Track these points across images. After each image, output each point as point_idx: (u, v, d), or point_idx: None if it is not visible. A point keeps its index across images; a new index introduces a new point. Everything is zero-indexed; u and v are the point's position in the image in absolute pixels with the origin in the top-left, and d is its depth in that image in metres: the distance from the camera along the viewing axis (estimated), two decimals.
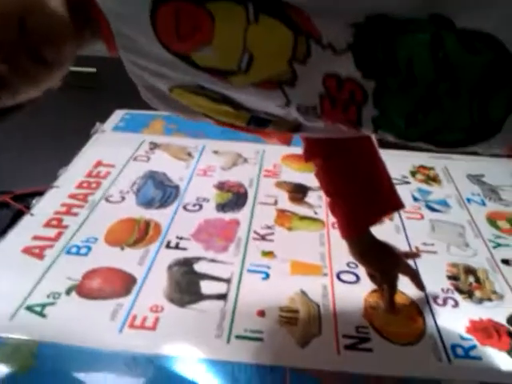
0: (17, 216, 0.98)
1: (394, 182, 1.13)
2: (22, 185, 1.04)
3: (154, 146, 1.25)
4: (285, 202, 1.05)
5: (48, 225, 0.95)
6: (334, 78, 0.43)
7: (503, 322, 0.78)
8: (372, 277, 0.79)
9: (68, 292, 0.79)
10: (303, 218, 1.00)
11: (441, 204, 1.08)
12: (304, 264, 0.88)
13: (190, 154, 1.22)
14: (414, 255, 0.87)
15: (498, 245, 0.96)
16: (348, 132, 0.49)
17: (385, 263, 0.77)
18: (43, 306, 0.76)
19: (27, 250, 0.88)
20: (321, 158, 0.74)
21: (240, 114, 0.52)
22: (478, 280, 0.87)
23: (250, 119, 0.53)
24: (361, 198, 0.73)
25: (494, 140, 0.43)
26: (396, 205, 0.77)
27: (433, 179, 1.17)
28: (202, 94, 0.49)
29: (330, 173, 0.75)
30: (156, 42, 0.44)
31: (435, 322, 0.77)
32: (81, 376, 0.67)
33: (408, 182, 1.15)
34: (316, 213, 1.02)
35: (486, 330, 0.76)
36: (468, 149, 0.45)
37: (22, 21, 0.43)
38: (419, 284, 0.79)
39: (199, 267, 0.86)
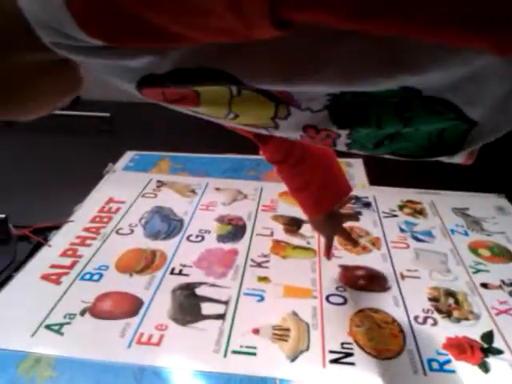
0: (36, 248, 1.07)
1: (383, 215, 1.24)
2: (40, 220, 1.13)
3: (161, 183, 1.36)
4: (280, 234, 1.14)
5: (64, 254, 1.04)
6: (312, 128, 0.50)
7: (477, 338, 0.85)
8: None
9: (82, 313, 0.88)
10: (296, 247, 1.09)
11: (425, 235, 1.16)
12: (296, 288, 0.96)
13: (193, 191, 1.32)
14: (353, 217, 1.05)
15: (478, 270, 1.03)
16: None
17: (329, 229, 0.98)
18: (61, 325, 0.85)
19: (45, 277, 0.97)
20: (282, 165, 0.87)
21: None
22: (457, 302, 0.94)
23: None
24: (321, 192, 0.89)
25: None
26: (348, 191, 0.94)
27: (419, 212, 1.26)
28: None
29: (292, 176, 0.89)
30: (144, 97, 0.49)
31: (414, 339, 0.84)
32: None
33: (396, 215, 1.24)
34: (309, 243, 1.11)
35: (461, 346, 0.83)
36: (430, 159, 0.53)
37: None
38: (352, 240, 0.99)
39: (200, 291, 0.94)
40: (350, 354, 0.81)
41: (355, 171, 1.43)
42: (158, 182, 1.37)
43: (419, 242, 1.13)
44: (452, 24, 0.29)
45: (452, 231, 1.17)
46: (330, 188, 0.90)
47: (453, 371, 0.78)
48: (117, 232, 1.13)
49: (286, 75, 0.42)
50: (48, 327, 0.84)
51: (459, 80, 0.42)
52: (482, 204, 1.29)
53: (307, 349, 0.82)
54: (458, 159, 0.52)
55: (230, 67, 0.42)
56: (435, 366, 0.79)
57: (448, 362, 0.80)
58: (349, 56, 0.40)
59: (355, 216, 1.08)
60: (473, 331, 0.86)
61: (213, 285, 0.96)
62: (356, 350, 0.81)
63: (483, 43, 0.31)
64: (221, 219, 1.19)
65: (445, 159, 0.52)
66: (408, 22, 0.30)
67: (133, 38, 0.37)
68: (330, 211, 0.94)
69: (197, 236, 1.12)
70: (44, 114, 0.53)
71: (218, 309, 0.90)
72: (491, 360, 0.80)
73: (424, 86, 0.43)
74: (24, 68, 0.46)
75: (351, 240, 0.99)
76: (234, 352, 0.80)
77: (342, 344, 0.83)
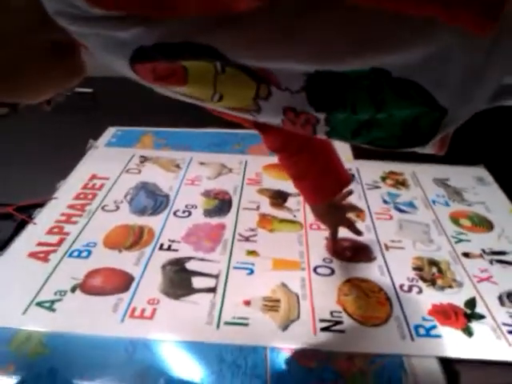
0: (20, 226, 1.06)
1: (366, 186, 1.25)
2: (23, 197, 1.11)
3: (144, 159, 1.35)
4: (266, 207, 1.15)
5: (50, 232, 1.03)
6: (291, 110, 0.52)
7: (461, 305, 0.88)
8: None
9: (73, 290, 0.87)
10: (283, 220, 1.10)
11: (408, 206, 1.18)
12: (284, 260, 0.97)
13: (178, 166, 1.31)
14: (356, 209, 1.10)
15: (460, 240, 1.06)
16: None
17: (333, 220, 1.00)
18: (52, 302, 0.84)
19: (33, 255, 0.96)
20: (283, 153, 0.89)
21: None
22: (440, 270, 0.96)
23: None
24: (321, 180, 0.90)
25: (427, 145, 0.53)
26: (348, 180, 0.95)
27: (401, 183, 1.28)
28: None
29: (293, 164, 0.90)
30: (136, 76, 0.50)
31: (401, 306, 0.86)
32: (87, 360, 0.75)
33: (379, 187, 1.25)
34: (295, 216, 1.12)
35: (446, 312, 0.86)
36: (403, 150, 0.55)
37: None
38: (356, 230, 1.00)
39: (190, 265, 0.95)
40: (339, 322, 0.83)
41: (340, 145, 1.44)
42: (141, 157, 1.35)
43: (402, 212, 1.15)
44: None
45: (433, 202, 1.20)
46: (329, 176, 0.91)
47: (439, 336, 0.81)
48: (102, 208, 1.12)
49: (265, 49, 0.44)
50: (39, 304, 0.84)
51: (426, 61, 0.43)
52: (462, 174, 1.31)
53: (298, 318, 0.84)
54: (430, 150, 0.54)
55: (214, 41, 0.43)
56: (422, 331, 0.82)
57: (434, 327, 0.83)
58: (322, 32, 0.42)
59: (357, 207, 1.10)
60: (456, 298, 0.89)
61: (202, 259, 0.97)
62: (345, 318, 0.84)
63: (465, 16, 0.33)
64: (207, 194, 1.19)
65: (418, 150, 0.54)
66: None
67: (128, 5, 0.40)
68: (330, 200, 0.95)
69: (183, 211, 1.12)
70: (47, 97, 0.55)
71: (209, 282, 0.90)
72: (474, 325, 0.84)
73: (393, 67, 0.45)
74: (29, 51, 0.48)
75: (355, 230, 1.00)
76: (227, 323, 0.82)
77: (332, 312, 0.85)
